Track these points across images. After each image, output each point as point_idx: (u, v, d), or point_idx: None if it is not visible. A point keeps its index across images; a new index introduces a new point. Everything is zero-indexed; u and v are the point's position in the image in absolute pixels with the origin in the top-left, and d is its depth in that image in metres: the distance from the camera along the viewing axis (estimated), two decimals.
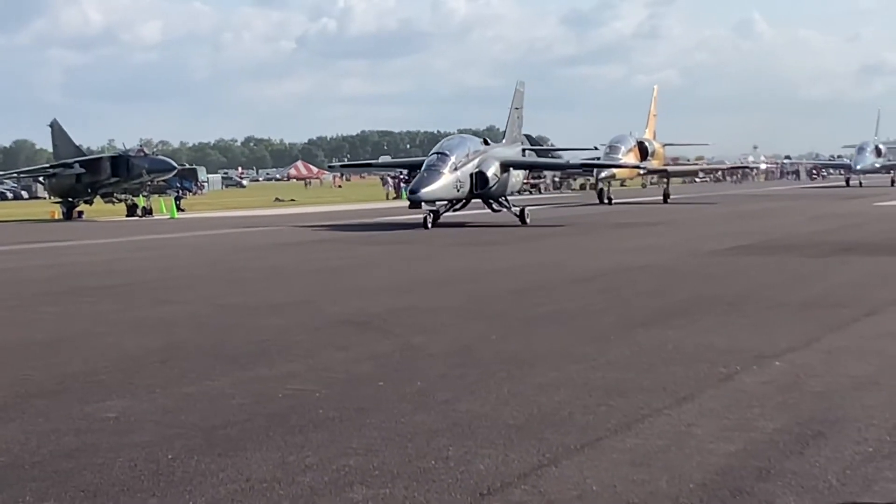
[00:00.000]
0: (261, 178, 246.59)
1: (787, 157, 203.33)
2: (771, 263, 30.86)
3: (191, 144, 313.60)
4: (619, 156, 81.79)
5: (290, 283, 28.26)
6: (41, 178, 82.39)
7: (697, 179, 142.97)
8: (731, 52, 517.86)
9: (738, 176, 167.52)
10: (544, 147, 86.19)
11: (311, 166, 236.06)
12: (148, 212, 73.11)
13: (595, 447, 10.80)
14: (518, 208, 54.64)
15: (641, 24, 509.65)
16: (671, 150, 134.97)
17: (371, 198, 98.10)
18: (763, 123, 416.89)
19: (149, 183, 73.61)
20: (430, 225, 50.20)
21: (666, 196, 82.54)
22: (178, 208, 75.38)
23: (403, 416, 12.15)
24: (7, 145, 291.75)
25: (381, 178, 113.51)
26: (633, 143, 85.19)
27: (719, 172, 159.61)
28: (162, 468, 10.21)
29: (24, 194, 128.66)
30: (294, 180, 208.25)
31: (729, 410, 12.29)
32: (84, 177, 71.77)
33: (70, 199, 72.90)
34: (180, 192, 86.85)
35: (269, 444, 10.98)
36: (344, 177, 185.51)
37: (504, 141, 61.83)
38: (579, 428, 11.54)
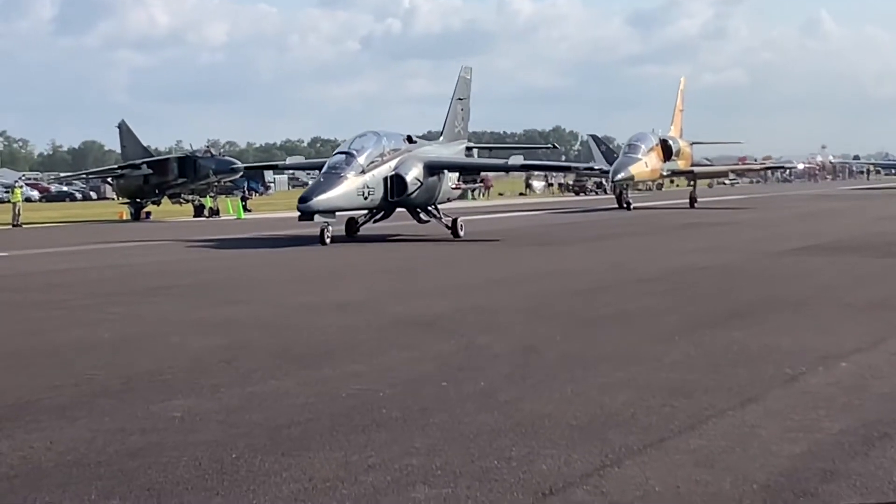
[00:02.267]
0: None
1: (856, 157, 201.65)
2: (836, 264, 30.64)
3: (258, 145, 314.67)
4: (639, 155, 74.03)
5: (353, 282, 28.31)
6: (109, 179, 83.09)
7: (727, 181, 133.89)
8: (798, 51, 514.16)
9: (807, 176, 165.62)
10: (499, 146, 73.17)
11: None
12: (215, 212, 73.47)
13: (658, 448, 10.75)
14: (450, 219, 46.07)
15: (707, 23, 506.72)
16: (711, 150, 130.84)
17: None
18: (831, 123, 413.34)
19: (216, 184, 74.05)
20: (327, 239, 41.40)
21: (692, 200, 77.60)
22: (245, 209, 75.71)
23: (466, 415, 12.15)
24: (76, 146, 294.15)
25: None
26: (654, 141, 77.15)
27: (766, 172, 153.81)
28: (226, 467, 10.25)
29: (93, 195, 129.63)
30: None
31: (794, 411, 12.21)
32: (152, 178, 72.27)
33: (138, 200, 73.39)
34: (247, 192, 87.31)
35: (332, 444, 11.00)
36: None
37: (441, 138, 53.30)
38: (642, 428, 11.50)
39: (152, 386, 14.24)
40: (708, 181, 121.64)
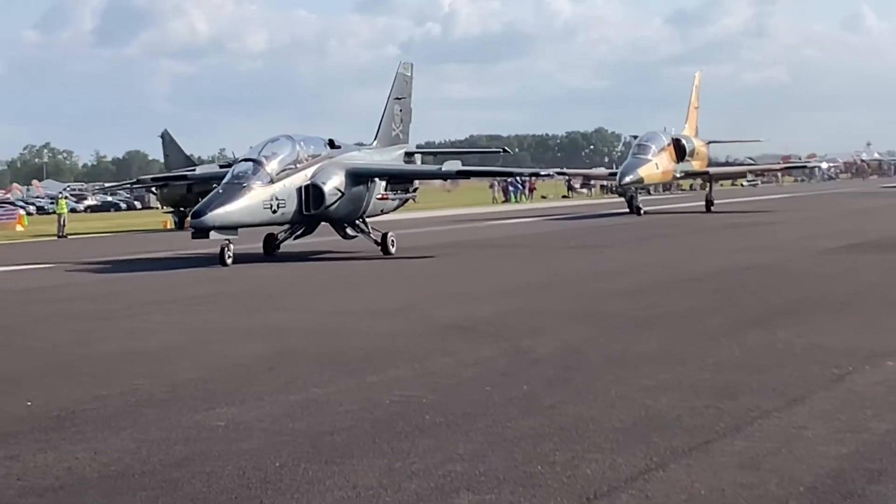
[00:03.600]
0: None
1: None
2: (881, 262, 30.45)
3: None
4: (649, 156, 68.40)
5: (395, 288, 28.33)
6: (153, 189, 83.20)
7: (745, 182, 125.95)
8: (840, 47, 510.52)
9: (850, 173, 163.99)
10: (442, 151, 61.16)
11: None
12: None
13: (703, 450, 10.69)
14: (379, 234, 40.22)
15: (748, 21, 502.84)
16: (754, 149, 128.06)
17: (479, 202, 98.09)
18: (876, 119, 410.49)
19: None
20: (228, 259, 35.97)
21: (709, 203, 71.23)
22: None
23: (510, 420, 12.12)
24: (120, 156, 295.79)
25: (490, 182, 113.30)
26: (666, 141, 71.28)
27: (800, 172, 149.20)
28: (270, 476, 10.25)
29: (137, 204, 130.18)
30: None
31: (840, 412, 12.12)
32: (195, 186, 72.29)
33: (182, 209, 73.51)
34: None
35: (375, 451, 10.98)
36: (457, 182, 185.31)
37: (375, 142, 47.40)
38: (687, 431, 11.43)
39: (196, 395, 14.28)
40: (748, 180, 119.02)
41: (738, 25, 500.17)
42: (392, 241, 39.64)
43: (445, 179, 47.24)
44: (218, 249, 36.35)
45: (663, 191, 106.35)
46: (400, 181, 43.31)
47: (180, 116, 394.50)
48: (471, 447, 11.01)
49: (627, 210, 68.18)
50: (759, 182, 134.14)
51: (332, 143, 40.80)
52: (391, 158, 46.39)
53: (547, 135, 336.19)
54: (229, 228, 36.23)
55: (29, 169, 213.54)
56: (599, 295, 24.85)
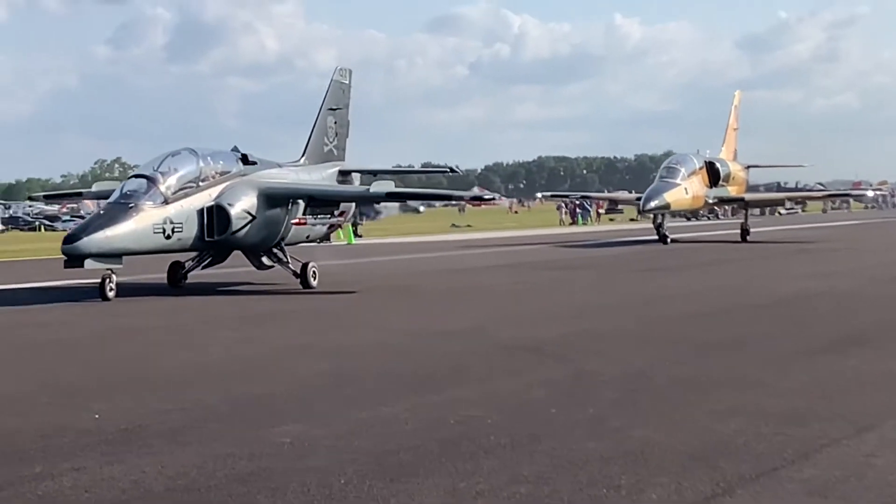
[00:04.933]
0: (437, 204, 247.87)
1: None
2: None
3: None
4: (678, 180, 62.66)
5: (463, 307, 28.29)
6: None
7: (783, 211, 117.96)
8: None
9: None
10: (389, 170, 53.20)
11: (488, 192, 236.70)
12: (326, 238, 73.67)
13: (771, 477, 10.58)
14: (299, 263, 35.05)
15: (819, 46, 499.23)
16: (825, 174, 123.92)
17: (545, 223, 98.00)
18: None
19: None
20: (109, 292, 30.77)
21: (745, 231, 64.88)
22: (356, 234, 76.02)
23: (575, 442, 12.06)
24: None
25: (557, 205, 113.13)
26: (698, 164, 65.40)
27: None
28: (334, 493, 10.25)
29: None
30: (470, 206, 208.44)
31: None
32: None
33: None
34: (358, 217, 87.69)
35: (440, 471, 10.96)
36: (523, 203, 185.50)
37: (303, 159, 40.84)
38: (755, 457, 11.33)
39: (262, 411, 14.32)
40: (787, 208, 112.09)
41: (809, 51, 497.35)
42: (313, 272, 34.69)
43: (374, 202, 42.05)
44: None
45: (689, 219, 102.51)
46: (323, 204, 37.05)
47: (249, 133, 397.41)
48: (535, 469, 10.96)
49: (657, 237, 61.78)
50: (800, 210, 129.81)
51: (245, 159, 35.40)
52: (321, 177, 40.09)
53: (615, 157, 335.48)
54: (110, 256, 30.74)
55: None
56: (664, 318, 24.72)
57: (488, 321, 24.58)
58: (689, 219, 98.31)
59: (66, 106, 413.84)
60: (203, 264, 35.52)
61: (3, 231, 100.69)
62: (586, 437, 12.29)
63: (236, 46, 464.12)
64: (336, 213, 37.37)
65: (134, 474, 10.96)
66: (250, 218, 33.71)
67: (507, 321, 24.56)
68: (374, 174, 44.98)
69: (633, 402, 14.49)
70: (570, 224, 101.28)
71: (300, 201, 35.41)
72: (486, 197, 42.98)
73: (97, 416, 13.94)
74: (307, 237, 38.01)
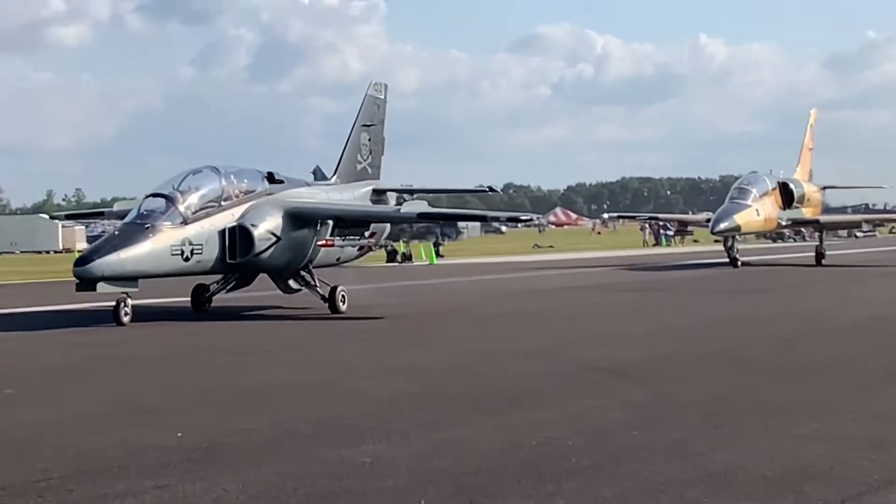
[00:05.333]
0: (519, 225, 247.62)
1: None
2: None
3: None
4: (749, 201, 60.31)
5: (542, 329, 28.22)
6: None
7: (859, 234, 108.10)
8: None
9: None
10: (425, 189, 48.70)
11: (570, 213, 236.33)
12: (408, 257, 74.01)
13: (856, 502, 10.46)
14: (328, 287, 33.78)
15: None
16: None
17: (628, 245, 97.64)
18: None
19: (408, 229, 74.62)
20: (124, 317, 29.64)
21: (819, 255, 61.63)
22: (438, 254, 76.20)
23: (656, 465, 11.96)
24: None
25: (640, 226, 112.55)
26: (770, 185, 62.57)
27: None
28: None
29: None
30: (552, 227, 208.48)
31: None
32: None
33: None
34: (440, 238, 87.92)
35: (520, 492, 10.91)
36: (605, 223, 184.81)
37: (334, 177, 39.27)
38: (840, 482, 11.19)
39: (341, 430, 14.33)
40: (863, 230, 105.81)
41: None
42: (343, 296, 33.37)
43: (406, 223, 41.05)
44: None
45: (774, 240, 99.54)
46: (352, 225, 35.36)
47: (331, 153, 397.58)
48: (616, 491, 10.90)
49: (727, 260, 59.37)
50: (877, 233, 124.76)
51: (271, 177, 34.00)
52: (353, 197, 38.48)
53: (699, 178, 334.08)
54: (124, 279, 29.43)
55: None
56: (744, 341, 24.52)
57: (569, 342, 24.52)
58: (774, 240, 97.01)
59: (151, 126, 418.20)
60: (228, 287, 34.39)
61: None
62: (668, 461, 12.20)
63: (319, 66, 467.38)
64: (367, 234, 35.68)
65: (215, 492, 11.02)
66: (275, 239, 32.38)
67: (587, 342, 24.48)
68: (412, 193, 44.12)
69: (715, 426, 14.36)
70: (654, 245, 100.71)
71: (328, 222, 34.02)
72: (523, 218, 40.59)
73: (179, 434, 14.03)
74: (338, 259, 36.47)
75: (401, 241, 75.33)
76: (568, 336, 26.09)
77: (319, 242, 33.49)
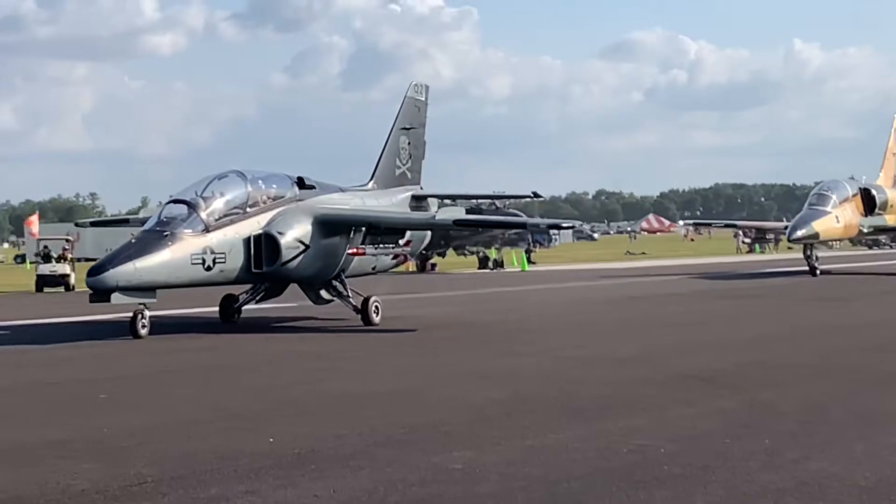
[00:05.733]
0: (612, 231, 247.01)
1: None
2: None
3: (543, 198, 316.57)
4: (828, 208, 57.77)
5: (635, 336, 28.07)
6: None
7: None
8: None
9: None
10: (465, 195, 48.57)
11: (663, 219, 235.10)
12: (499, 264, 74.01)
13: None
14: (361, 298, 32.30)
15: None
16: None
17: (721, 251, 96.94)
18: None
19: (500, 236, 74.62)
20: (142, 329, 28.40)
21: None
22: (529, 261, 76.16)
23: (749, 474, 11.86)
24: None
25: (734, 233, 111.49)
26: (851, 191, 59.95)
27: None
28: None
29: None
30: (645, 233, 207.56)
31: None
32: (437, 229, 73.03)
33: (423, 252, 74.37)
34: (532, 244, 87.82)
35: (611, 500, 10.87)
36: (698, 231, 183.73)
37: (371, 183, 37.53)
38: None
39: (433, 437, 14.36)
40: None
41: None
42: (376, 307, 31.97)
43: (441, 230, 38.77)
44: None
45: (870, 247, 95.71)
46: (386, 232, 33.37)
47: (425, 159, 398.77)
48: (709, 500, 10.83)
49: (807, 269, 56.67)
50: None
51: (301, 183, 32.49)
52: (390, 203, 36.57)
53: (794, 184, 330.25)
54: (141, 290, 28.12)
55: None
56: (838, 349, 24.25)
57: (660, 349, 24.38)
58: (870, 247, 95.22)
59: (244, 133, 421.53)
60: (257, 298, 33.44)
61: None
62: (761, 469, 12.09)
63: (411, 73, 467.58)
64: (402, 242, 33.69)
65: (306, 498, 11.08)
66: (303, 248, 30.78)
67: (679, 350, 24.33)
68: (454, 199, 42.73)
69: (809, 434, 14.23)
70: (748, 252, 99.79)
71: (360, 229, 32.41)
72: (565, 225, 39.23)
73: (271, 439, 14.12)
74: (373, 268, 34.56)
75: (492, 248, 75.38)
76: (660, 343, 25.94)
77: (350, 251, 31.93)
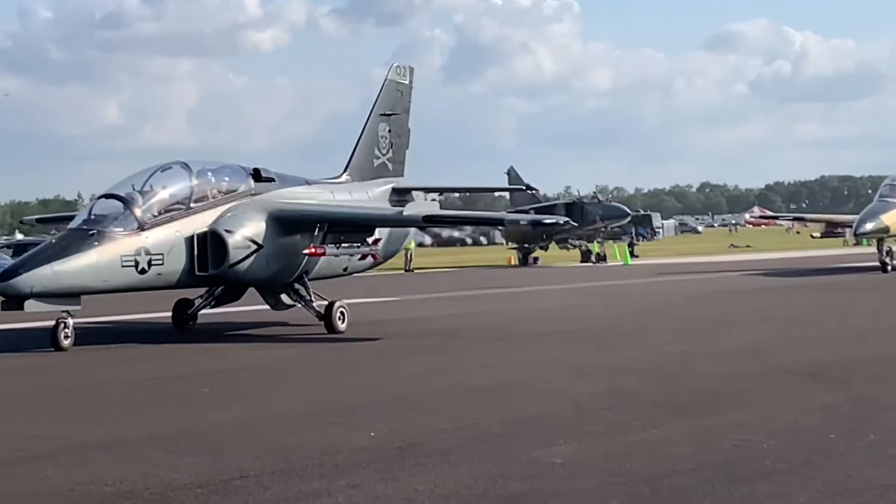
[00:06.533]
0: (716, 224, 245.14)
1: None
2: None
3: (646, 190, 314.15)
4: None
5: (736, 330, 27.90)
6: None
7: None
8: None
9: None
10: (445, 188, 42.13)
11: (768, 212, 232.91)
12: (602, 258, 73.80)
13: None
14: (325, 303, 28.90)
15: None
16: None
17: (827, 244, 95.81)
18: None
19: (603, 229, 74.48)
20: (64, 340, 25.09)
21: None
22: (632, 255, 75.86)
23: (854, 469, 11.73)
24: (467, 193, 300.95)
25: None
26: None
27: None
28: None
29: (483, 240, 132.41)
30: (749, 226, 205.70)
31: None
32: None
33: (526, 246, 74.50)
34: (634, 238, 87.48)
35: (713, 495, 10.79)
36: (805, 223, 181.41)
37: (345, 175, 33.80)
38: None
39: (534, 431, 14.34)
40: None
41: None
42: (342, 313, 28.51)
43: (409, 226, 33.95)
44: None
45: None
46: (349, 230, 29.73)
47: (525, 154, 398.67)
48: (812, 496, 10.71)
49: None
50: None
51: (257, 175, 28.98)
52: (366, 197, 32.94)
53: None
54: (60, 296, 25.02)
55: None
56: None
57: (763, 344, 24.18)
58: None
59: (347, 128, 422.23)
60: (211, 302, 30.05)
61: None
62: (865, 465, 11.95)
63: (512, 67, 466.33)
64: (370, 240, 30.12)
65: (407, 492, 11.10)
66: (255, 247, 27.37)
67: (782, 344, 24.12)
68: (441, 192, 39.35)
69: None
70: (854, 245, 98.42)
71: (323, 226, 28.83)
72: (547, 221, 36.70)
73: (372, 433, 14.18)
74: (345, 269, 31.13)
75: (595, 242, 75.23)
76: (763, 337, 25.73)
77: (306, 251, 28.24)
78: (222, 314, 32.05)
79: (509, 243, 78.88)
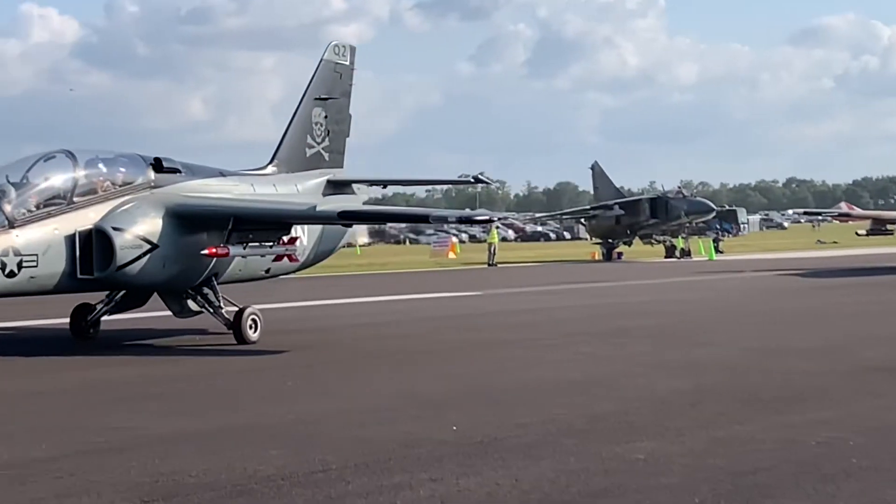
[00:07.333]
0: (802, 220, 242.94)
1: None
2: None
3: (731, 186, 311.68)
4: None
5: (820, 327, 27.65)
6: (582, 220, 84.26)
7: None
8: None
9: None
10: (391, 181, 36.90)
11: (855, 208, 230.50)
12: (686, 253, 73.43)
13: None
14: (235, 309, 25.20)
15: None
16: None
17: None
18: None
19: (687, 224, 74.12)
20: None
21: None
22: (717, 250, 75.38)
23: None
24: (551, 187, 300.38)
25: None
26: None
27: None
28: None
29: (567, 235, 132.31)
30: (836, 222, 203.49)
31: None
32: (623, 218, 73.02)
33: (610, 241, 74.33)
34: (719, 233, 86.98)
35: (798, 493, 10.70)
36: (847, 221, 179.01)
37: (270, 166, 29.59)
38: None
39: (617, 427, 14.29)
40: None
41: None
42: (253, 321, 24.95)
43: (322, 223, 27.76)
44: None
45: None
46: (258, 228, 25.61)
47: (610, 148, 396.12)
48: None
49: None
50: None
51: (158, 166, 25.17)
52: (295, 191, 29.00)
53: None
54: None
55: (463, 198, 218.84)
56: None
57: (847, 341, 23.94)
58: None
59: (431, 122, 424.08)
60: (110, 308, 26.20)
61: (369, 244, 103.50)
62: None
63: (596, 61, 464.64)
64: (285, 239, 26.06)
65: (488, 486, 11.10)
66: (148, 247, 23.71)
67: (866, 341, 23.83)
68: (384, 185, 35.46)
69: None
70: None
71: (242, 223, 25.03)
72: (478, 218, 31.17)
73: (455, 427, 14.19)
74: (266, 271, 27.16)
75: (679, 237, 74.90)
76: (846, 334, 25.49)
77: (204, 252, 24.14)
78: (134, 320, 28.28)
79: (593, 238, 78.79)
